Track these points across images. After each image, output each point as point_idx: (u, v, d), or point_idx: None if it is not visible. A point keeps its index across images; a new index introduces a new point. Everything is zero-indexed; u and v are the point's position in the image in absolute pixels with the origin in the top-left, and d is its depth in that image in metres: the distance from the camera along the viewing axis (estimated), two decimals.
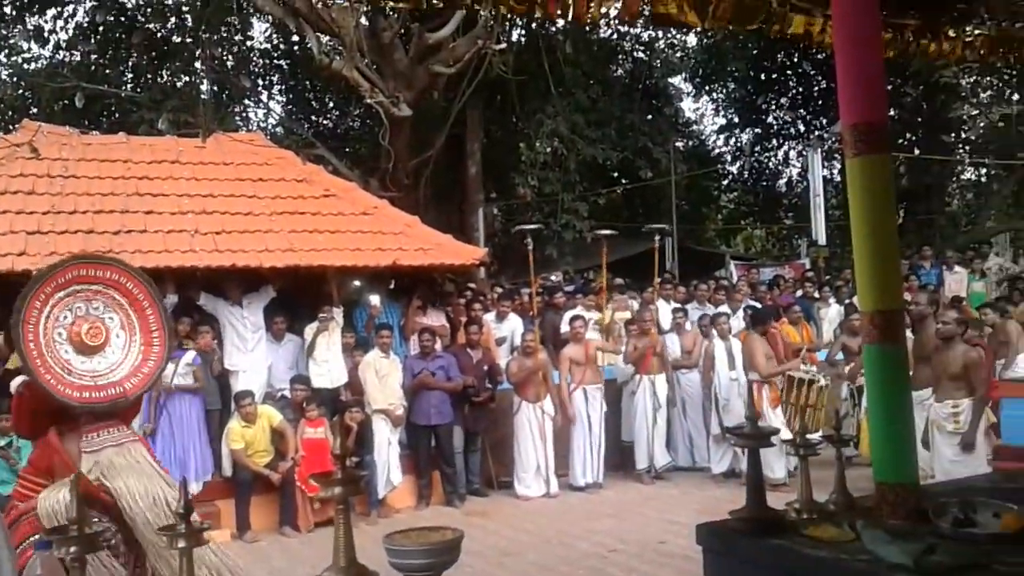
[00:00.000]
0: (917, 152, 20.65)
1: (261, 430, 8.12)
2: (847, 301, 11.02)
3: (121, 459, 3.64)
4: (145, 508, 3.51)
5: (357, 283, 9.60)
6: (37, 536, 2.81)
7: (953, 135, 21.64)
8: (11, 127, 15.12)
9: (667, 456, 9.59)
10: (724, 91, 24.65)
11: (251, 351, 8.69)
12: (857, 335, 8.86)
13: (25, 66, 18.99)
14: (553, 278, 15.57)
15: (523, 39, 18.34)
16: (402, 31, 15.36)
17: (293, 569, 6.90)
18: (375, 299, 9.27)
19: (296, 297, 9.25)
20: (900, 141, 20.36)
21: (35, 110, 17.58)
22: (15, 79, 18.91)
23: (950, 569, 2.42)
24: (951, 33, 4.88)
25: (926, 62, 17.28)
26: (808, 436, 3.32)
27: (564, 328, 9.78)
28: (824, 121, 21.82)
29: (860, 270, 3.24)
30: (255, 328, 8.74)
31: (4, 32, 17.81)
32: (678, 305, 10.67)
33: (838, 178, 22.85)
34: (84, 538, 2.23)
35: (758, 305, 10.16)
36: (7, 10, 17.25)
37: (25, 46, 18.69)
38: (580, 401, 9.16)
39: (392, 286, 10.21)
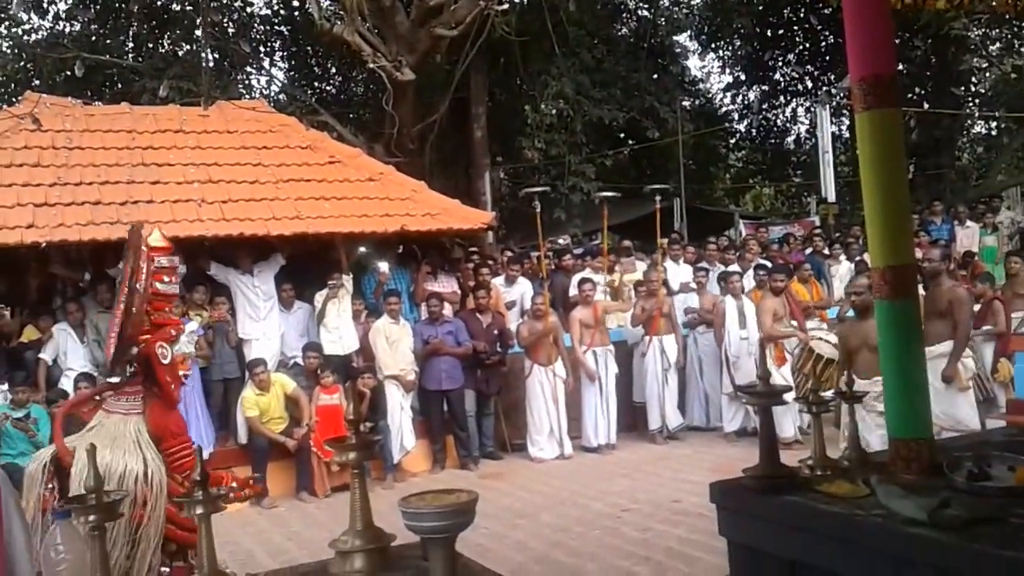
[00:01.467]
0: (926, 106, 20.39)
1: (275, 397, 8.18)
2: (858, 258, 10.96)
3: (113, 428, 3.68)
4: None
5: (363, 249, 9.59)
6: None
7: (963, 88, 21.36)
8: (13, 99, 15.06)
9: (679, 416, 9.63)
10: (730, 48, 24.31)
11: (264, 319, 8.73)
12: None
13: (25, 37, 18.87)
14: (561, 241, 15.53)
15: None
16: None
17: (311, 533, 6.98)
18: (384, 266, 9.27)
19: (304, 265, 9.26)
20: (909, 95, 20.09)
21: (37, 82, 17.47)
22: (15, 50, 18.79)
23: (965, 523, 2.42)
24: None
25: (935, 14, 17.06)
26: (821, 393, 3.32)
27: (573, 291, 9.79)
28: (832, 77, 21.52)
29: (871, 225, 3.21)
30: (267, 296, 8.77)
31: (3, 4, 17.66)
32: (698, 265, 10.65)
33: (847, 134, 22.62)
34: (103, 506, 2.25)
35: (768, 264, 10.12)
36: None
37: (25, 17, 18.55)
38: (590, 363, 9.18)
39: (400, 252, 10.21)
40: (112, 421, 3.71)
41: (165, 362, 3.67)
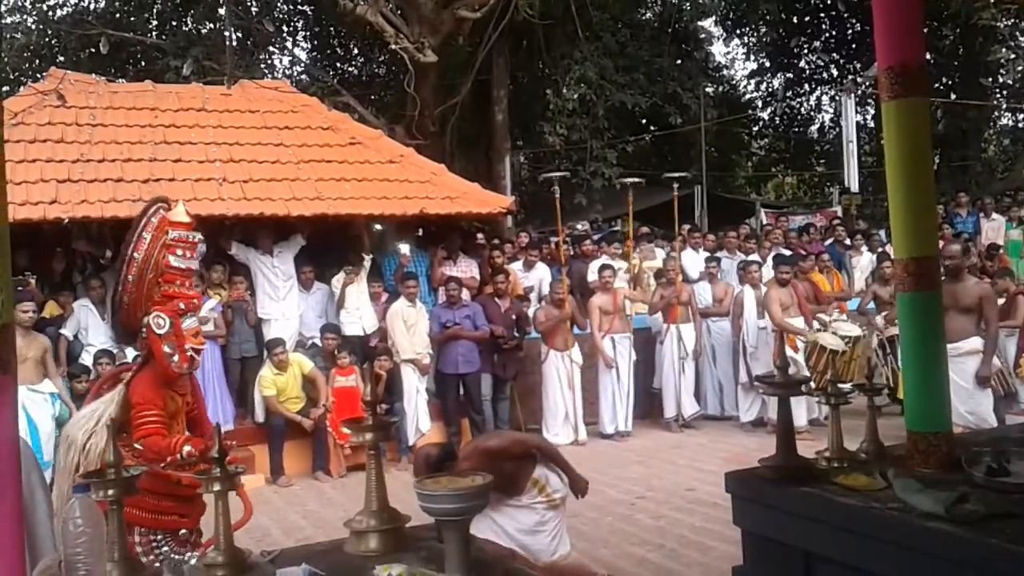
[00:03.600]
0: (953, 96, 20.15)
1: (293, 377, 8.23)
2: (880, 249, 10.88)
3: (103, 398, 3.74)
4: (64, 446, 3.62)
5: (379, 227, 9.60)
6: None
7: (991, 79, 21.08)
8: (38, 75, 15.15)
9: (695, 405, 9.61)
10: (755, 34, 24.09)
11: (283, 299, 8.77)
12: (889, 284, 8.76)
13: (50, 14, 18.96)
14: (580, 227, 15.48)
15: None
16: None
17: (326, 512, 7.03)
18: (405, 248, 9.29)
19: (324, 246, 9.28)
20: (936, 85, 19.86)
21: (61, 58, 17.60)
22: (40, 27, 18.89)
23: (983, 518, 2.40)
24: None
25: (964, 3, 16.82)
26: (840, 385, 3.30)
27: (592, 277, 9.76)
28: (858, 65, 21.30)
29: (895, 216, 3.18)
30: (286, 277, 8.81)
31: None
32: (708, 254, 10.59)
33: (871, 124, 22.40)
34: (122, 481, 2.27)
35: (787, 253, 10.05)
36: None
37: None
38: (608, 350, 9.16)
39: (420, 234, 10.22)
40: (107, 395, 3.74)
41: (159, 332, 3.64)
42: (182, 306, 3.74)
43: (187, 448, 3.54)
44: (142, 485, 2.55)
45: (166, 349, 3.66)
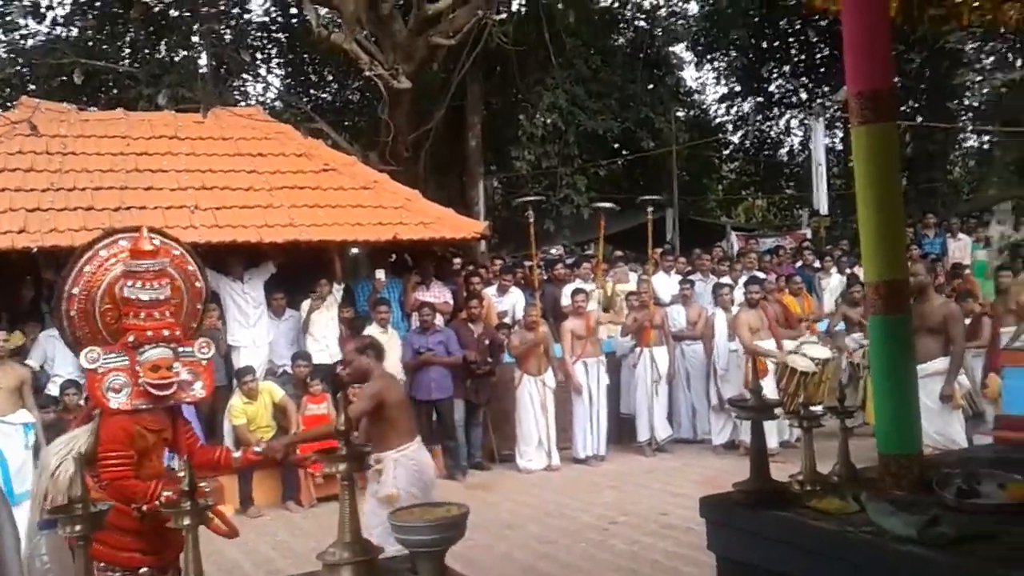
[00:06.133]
0: (920, 119, 20.49)
1: (263, 406, 8.15)
2: (848, 271, 10.99)
3: (80, 429, 3.67)
4: (41, 477, 3.52)
5: (355, 251, 9.57)
6: None
7: (957, 101, 21.48)
8: (9, 104, 15.01)
9: (668, 429, 9.61)
10: (726, 59, 24.39)
11: (253, 326, 8.71)
12: (858, 305, 8.84)
13: (22, 42, 18.82)
14: (553, 251, 15.53)
15: (523, 8, 18.12)
16: (401, 2, 15.19)
17: (297, 543, 6.94)
18: (380, 274, 9.27)
19: (297, 272, 9.23)
20: (903, 108, 20.18)
21: (33, 87, 17.43)
22: (12, 55, 18.74)
23: (954, 540, 2.42)
24: None
25: (932, 28, 17.12)
26: (811, 407, 3.32)
27: (565, 301, 9.77)
28: (826, 89, 21.65)
29: (865, 240, 3.21)
30: (256, 304, 8.75)
31: (1, 8, 17.64)
32: (681, 277, 10.65)
33: (840, 147, 22.70)
34: (89, 516, 2.23)
35: (760, 276, 10.13)
36: None
37: (22, 22, 18.50)
38: (581, 374, 9.16)
39: (393, 259, 10.19)
40: (85, 426, 3.67)
41: (90, 366, 3.54)
42: (131, 338, 3.59)
43: (166, 493, 3.42)
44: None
45: (104, 385, 3.53)
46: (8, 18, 18.10)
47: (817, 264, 11.96)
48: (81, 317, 3.64)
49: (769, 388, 8.21)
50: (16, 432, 7.09)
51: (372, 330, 8.65)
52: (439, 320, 9.12)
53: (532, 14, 17.08)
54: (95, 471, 3.49)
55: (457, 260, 11.16)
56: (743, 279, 10.00)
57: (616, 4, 20.95)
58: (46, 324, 8.27)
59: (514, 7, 17.61)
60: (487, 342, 9.16)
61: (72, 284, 3.61)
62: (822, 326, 10.00)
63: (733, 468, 7.91)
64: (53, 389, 7.73)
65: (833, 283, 11.37)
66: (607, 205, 10.69)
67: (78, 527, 2.21)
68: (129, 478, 3.49)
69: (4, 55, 18.83)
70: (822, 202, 16.47)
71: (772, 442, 8.38)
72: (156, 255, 3.67)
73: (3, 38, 18.87)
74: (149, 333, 3.61)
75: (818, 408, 3.46)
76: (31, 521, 3.43)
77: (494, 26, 13.96)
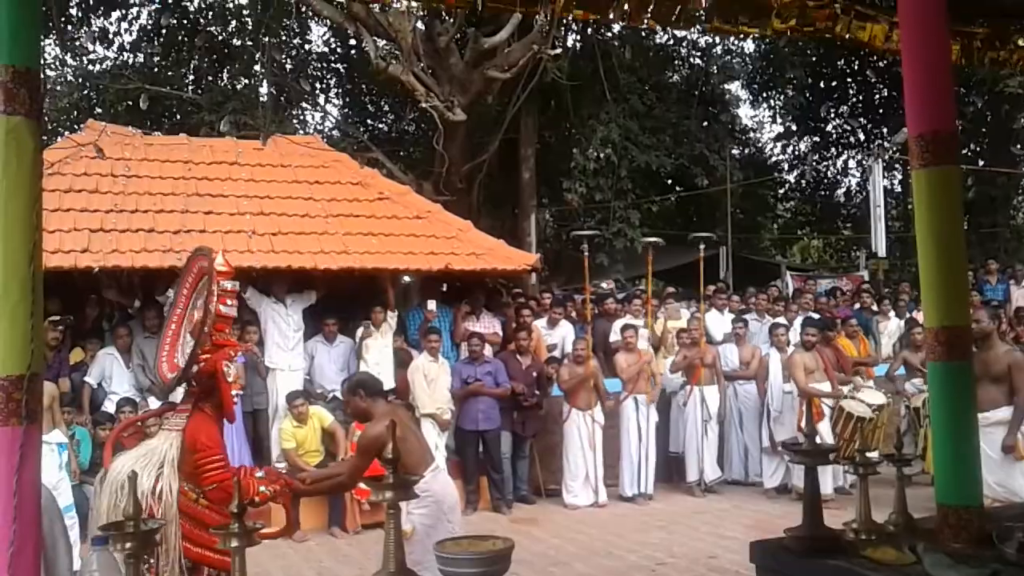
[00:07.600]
0: (982, 163, 20.13)
1: (312, 430, 8.20)
2: (908, 315, 10.76)
3: (153, 446, 3.80)
4: (110, 490, 3.65)
5: (407, 279, 9.64)
6: None
7: (1019, 146, 21.06)
8: (76, 127, 15.51)
9: (718, 470, 9.46)
10: (782, 98, 24.24)
11: (291, 350, 8.79)
12: (919, 350, 8.64)
13: (90, 67, 19.47)
14: (604, 285, 15.48)
15: (579, 44, 18.29)
16: (458, 36, 15.42)
17: (341, 569, 6.95)
18: (431, 304, 9.32)
19: (349, 299, 9.32)
20: (964, 152, 19.86)
21: (99, 110, 18.01)
22: (80, 80, 19.39)
23: None
24: (1020, 42, 4.74)
25: (992, 72, 16.87)
26: (868, 454, 3.24)
27: (615, 337, 9.71)
28: (885, 130, 21.37)
29: (926, 285, 3.15)
30: (296, 328, 8.84)
31: (71, 34, 18.30)
32: (734, 315, 10.52)
33: (899, 188, 22.37)
34: (140, 535, 2.26)
35: (815, 316, 9.97)
36: (73, 12, 17.71)
37: (90, 48, 19.18)
38: (631, 410, 9.08)
39: (444, 289, 10.24)
40: (159, 439, 3.80)
41: (229, 379, 3.81)
42: (231, 353, 3.90)
43: (262, 489, 3.76)
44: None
45: (233, 395, 3.86)
46: (78, 43, 18.75)
47: (875, 308, 11.74)
48: (207, 334, 3.85)
49: (824, 432, 8.08)
50: (51, 451, 7.11)
51: (422, 359, 8.70)
52: (488, 351, 9.12)
53: (587, 50, 17.23)
54: (192, 479, 3.72)
55: (507, 293, 11.17)
56: (799, 320, 9.84)
57: (671, 41, 21.01)
58: (106, 342, 8.46)
59: (569, 42, 17.75)
60: (535, 374, 9.14)
61: (208, 301, 3.83)
62: (880, 370, 9.78)
63: (784, 513, 7.76)
64: (109, 407, 7.88)
65: (891, 327, 11.15)
66: (656, 240, 10.63)
67: (129, 544, 2.23)
68: (229, 479, 3.71)
69: (73, 79, 19.50)
70: (880, 244, 16.22)
71: (827, 487, 8.19)
72: (234, 274, 3.98)
73: (72, 63, 19.56)
74: (239, 348, 4.08)
75: (874, 454, 3.38)
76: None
77: (549, 61, 14.08)
